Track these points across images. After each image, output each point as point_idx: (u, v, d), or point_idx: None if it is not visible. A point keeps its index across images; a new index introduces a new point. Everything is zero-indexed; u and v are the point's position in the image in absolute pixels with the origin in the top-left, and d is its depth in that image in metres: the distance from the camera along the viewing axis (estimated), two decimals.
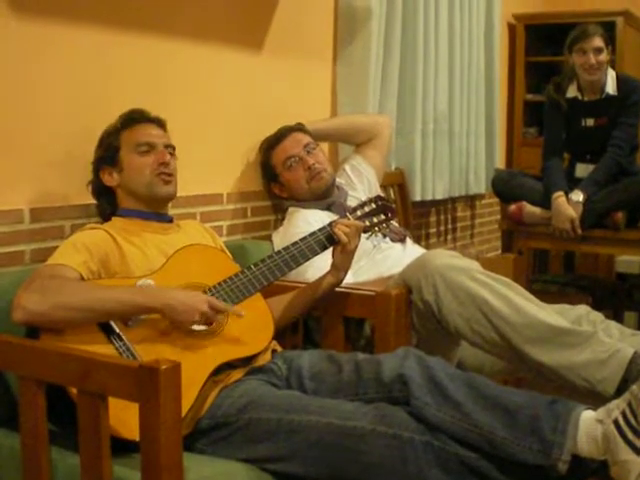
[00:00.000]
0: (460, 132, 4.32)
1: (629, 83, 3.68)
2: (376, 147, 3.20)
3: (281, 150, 2.87)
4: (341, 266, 2.29)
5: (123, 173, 2.17)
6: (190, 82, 2.72)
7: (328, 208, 2.82)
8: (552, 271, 4.55)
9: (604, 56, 3.60)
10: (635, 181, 3.55)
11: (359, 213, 2.34)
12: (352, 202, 2.82)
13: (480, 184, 4.54)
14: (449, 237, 4.59)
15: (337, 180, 2.99)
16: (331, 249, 2.27)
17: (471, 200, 4.80)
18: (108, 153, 2.19)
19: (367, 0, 3.41)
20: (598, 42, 3.59)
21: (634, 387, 1.67)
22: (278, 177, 2.89)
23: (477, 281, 2.21)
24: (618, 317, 4.20)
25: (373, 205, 2.36)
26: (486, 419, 1.74)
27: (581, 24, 3.72)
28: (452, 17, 4.17)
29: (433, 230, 4.40)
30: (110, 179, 2.19)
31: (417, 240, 3.99)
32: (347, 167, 3.11)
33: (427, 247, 4.15)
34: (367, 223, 2.33)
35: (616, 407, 1.68)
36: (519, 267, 3.24)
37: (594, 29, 3.63)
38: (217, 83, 2.84)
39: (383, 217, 2.36)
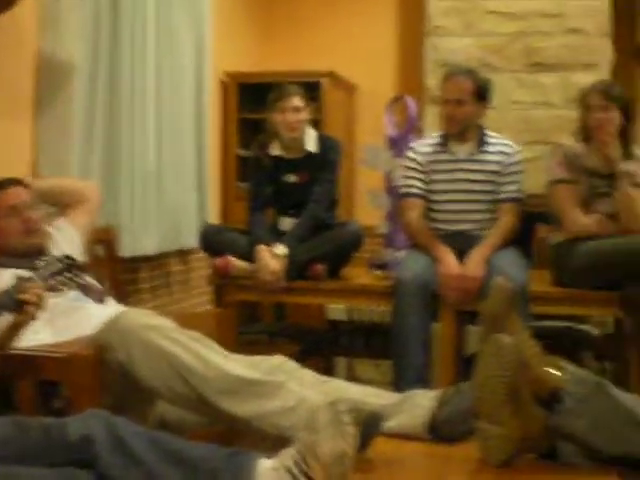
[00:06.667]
0: (170, 189, 4.37)
1: (327, 141, 3.91)
2: (84, 212, 3.18)
3: (3, 198, 2.79)
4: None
5: None
6: None
7: (34, 268, 2.74)
8: (265, 321, 4.68)
9: (303, 115, 3.80)
10: (334, 234, 3.74)
11: (45, 273, 2.34)
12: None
13: (191, 239, 4.56)
14: (163, 292, 4.60)
15: None
16: None
17: (184, 255, 4.85)
18: None
19: (70, 55, 3.39)
20: (297, 101, 3.78)
21: (303, 434, 1.76)
22: None
23: (169, 338, 2.24)
24: (329, 362, 4.39)
25: (60, 264, 2.37)
26: (169, 475, 1.77)
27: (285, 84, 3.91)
28: (160, 74, 4.23)
29: (146, 286, 4.38)
30: None
31: (128, 296, 3.97)
32: (53, 230, 3.07)
33: (139, 303, 4.15)
34: (52, 282, 2.33)
35: (289, 455, 1.76)
36: (225, 320, 3.30)
37: (293, 89, 3.82)
38: None
39: (69, 275, 2.38)
